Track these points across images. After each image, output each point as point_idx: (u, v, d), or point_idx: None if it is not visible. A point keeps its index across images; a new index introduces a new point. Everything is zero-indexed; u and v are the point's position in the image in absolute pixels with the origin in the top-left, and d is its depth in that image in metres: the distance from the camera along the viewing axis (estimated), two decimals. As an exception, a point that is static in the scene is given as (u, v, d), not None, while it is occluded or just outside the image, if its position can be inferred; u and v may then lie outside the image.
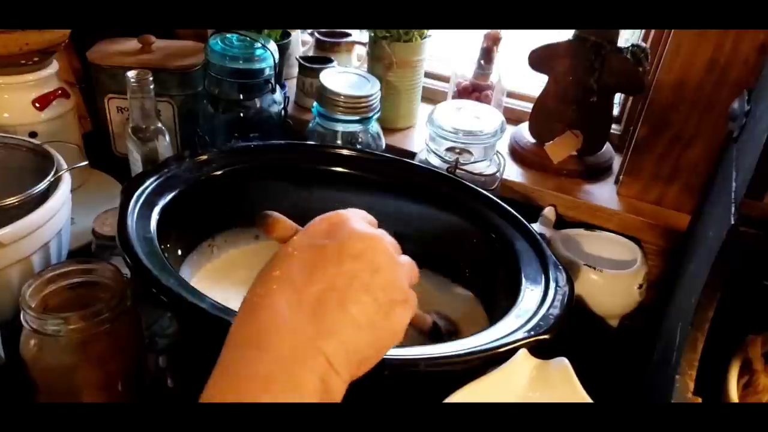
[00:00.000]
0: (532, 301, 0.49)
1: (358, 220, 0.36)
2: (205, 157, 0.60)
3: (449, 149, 0.68)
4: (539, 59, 0.73)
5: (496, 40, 0.78)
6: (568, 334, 0.47)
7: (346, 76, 0.72)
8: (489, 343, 0.43)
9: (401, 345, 0.37)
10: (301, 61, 0.83)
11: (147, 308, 0.56)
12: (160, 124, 0.69)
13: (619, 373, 0.61)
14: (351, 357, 0.32)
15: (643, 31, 0.77)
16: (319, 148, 0.67)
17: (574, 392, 0.41)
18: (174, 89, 0.78)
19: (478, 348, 0.43)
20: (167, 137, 0.69)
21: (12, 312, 0.54)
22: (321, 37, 0.86)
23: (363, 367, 0.34)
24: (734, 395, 0.45)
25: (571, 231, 0.69)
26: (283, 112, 0.76)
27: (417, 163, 0.69)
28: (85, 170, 0.74)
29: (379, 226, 0.39)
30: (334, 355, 0.31)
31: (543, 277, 0.51)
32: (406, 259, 0.38)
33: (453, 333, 0.54)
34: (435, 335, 0.52)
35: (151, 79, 0.66)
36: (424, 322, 0.50)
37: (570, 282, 0.51)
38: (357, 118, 0.70)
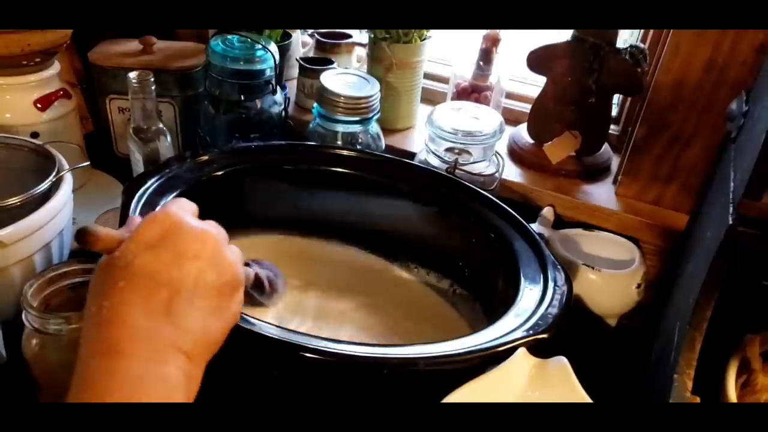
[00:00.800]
0: (531, 301, 0.49)
1: (186, 217, 0.38)
2: (206, 157, 0.60)
3: (448, 150, 0.69)
4: (538, 60, 0.73)
5: (495, 42, 0.79)
6: (567, 333, 0.47)
7: (346, 77, 0.72)
8: (488, 342, 0.44)
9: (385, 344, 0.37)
10: (302, 63, 0.83)
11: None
12: (161, 125, 0.69)
13: (617, 373, 0.62)
14: (204, 342, 0.35)
15: (642, 31, 0.77)
16: (320, 148, 0.67)
17: (573, 391, 0.41)
18: (175, 90, 0.78)
19: (477, 347, 0.43)
20: (168, 138, 0.69)
21: (14, 311, 0.54)
22: (321, 39, 0.86)
23: (214, 347, 0.36)
24: (732, 395, 0.45)
25: (570, 231, 0.69)
26: (283, 112, 0.77)
27: (417, 163, 0.69)
28: (87, 170, 0.74)
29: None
30: (191, 349, 0.34)
31: (542, 276, 0.51)
32: (233, 247, 0.40)
33: (275, 279, 0.55)
34: (258, 288, 0.53)
35: (152, 79, 0.66)
36: (247, 279, 0.51)
37: (569, 281, 0.51)
38: (357, 118, 0.70)
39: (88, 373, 0.32)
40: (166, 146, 0.69)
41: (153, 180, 0.55)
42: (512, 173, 0.75)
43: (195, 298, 0.35)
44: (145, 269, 0.34)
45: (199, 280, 0.35)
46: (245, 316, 0.42)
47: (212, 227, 0.39)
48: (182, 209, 0.39)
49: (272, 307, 0.56)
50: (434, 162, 0.69)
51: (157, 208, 0.39)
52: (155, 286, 0.34)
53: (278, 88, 0.76)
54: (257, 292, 0.54)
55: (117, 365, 0.32)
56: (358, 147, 0.71)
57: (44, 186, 0.58)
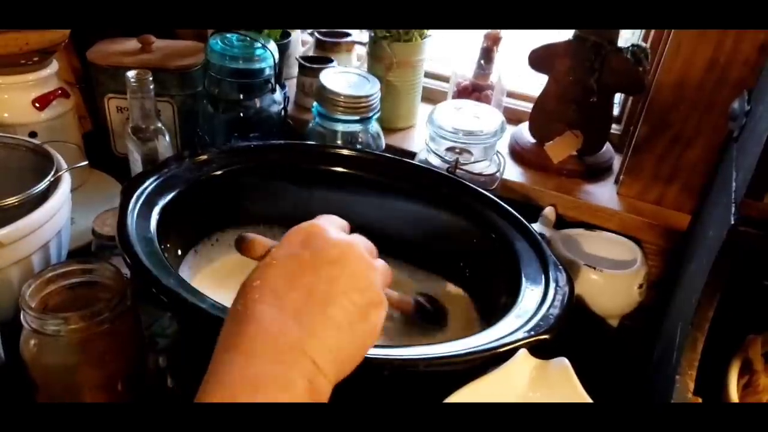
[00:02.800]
0: (532, 301, 0.49)
1: (332, 228, 0.38)
2: (204, 157, 0.60)
3: (449, 149, 0.68)
4: (539, 59, 0.73)
5: (496, 40, 0.78)
6: (568, 334, 0.47)
7: (346, 76, 0.72)
8: (489, 343, 0.43)
9: (389, 345, 0.37)
10: (301, 61, 0.83)
11: (147, 308, 0.56)
12: (160, 124, 0.69)
13: (619, 373, 0.61)
14: (335, 357, 0.34)
15: (643, 31, 0.77)
16: (319, 148, 0.67)
17: (574, 392, 0.41)
18: (174, 89, 0.78)
19: (478, 348, 0.43)
20: (167, 137, 0.69)
21: (12, 312, 0.54)
22: (321, 37, 0.86)
23: (347, 367, 0.35)
24: (734, 395, 0.45)
25: (572, 231, 0.69)
26: (283, 112, 0.76)
27: (417, 163, 0.69)
28: (85, 170, 0.74)
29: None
30: (318, 356, 0.33)
31: (543, 277, 0.51)
32: (380, 262, 0.39)
33: (440, 309, 0.54)
34: (422, 315, 0.52)
35: (150, 78, 0.66)
36: (407, 305, 0.51)
37: (570, 282, 0.51)
38: (357, 118, 0.70)
39: (216, 367, 0.32)
40: (164, 146, 0.68)
41: (151, 179, 0.55)
42: (513, 173, 0.75)
43: (328, 306, 0.34)
44: (282, 270, 0.35)
45: (334, 288, 0.35)
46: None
47: (357, 239, 0.38)
48: (329, 221, 0.39)
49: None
50: (435, 161, 0.69)
51: (314, 219, 0.39)
52: (289, 286, 0.34)
53: (278, 87, 0.75)
54: (420, 316, 0.52)
55: (241, 364, 0.32)
56: (358, 146, 0.71)
57: (42, 186, 0.58)
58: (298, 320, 0.33)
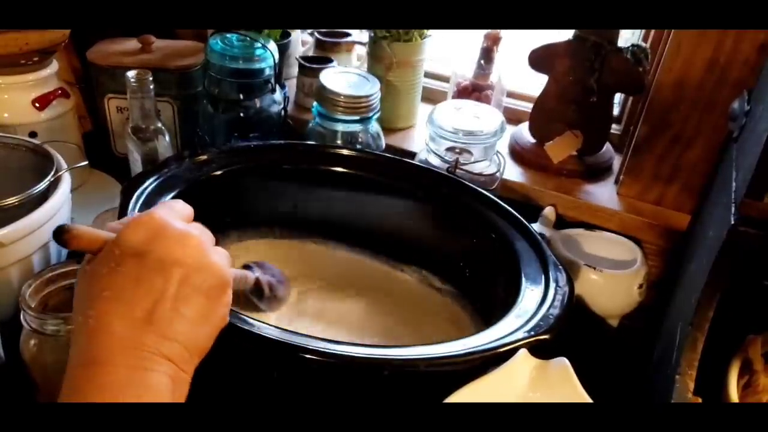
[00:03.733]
0: (532, 301, 0.49)
1: (173, 219, 0.37)
2: (204, 157, 0.60)
3: (449, 149, 0.68)
4: (539, 59, 0.73)
5: (496, 40, 0.78)
6: (568, 334, 0.47)
7: (346, 76, 0.72)
8: (489, 343, 0.43)
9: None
10: (301, 61, 0.83)
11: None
12: (159, 124, 0.69)
13: (619, 373, 0.61)
14: (192, 349, 0.35)
15: (643, 31, 0.76)
16: (319, 148, 0.67)
17: (574, 392, 0.40)
18: (174, 89, 0.78)
19: (478, 348, 0.43)
20: (167, 137, 0.69)
21: (12, 312, 0.54)
22: (321, 37, 0.86)
23: (204, 350, 0.36)
24: (734, 395, 0.45)
25: (571, 231, 0.69)
26: (283, 112, 0.76)
27: (417, 163, 0.69)
28: (85, 170, 0.74)
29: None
30: (176, 355, 0.34)
31: (543, 277, 0.51)
32: (219, 249, 0.39)
33: (276, 285, 0.53)
34: (257, 292, 0.52)
35: (150, 79, 0.66)
36: (247, 280, 0.50)
37: (570, 282, 0.51)
38: (357, 118, 0.70)
39: (73, 382, 0.33)
40: (164, 146, 0.68)
41: (151, 180, 0.55)
42: (513, 173, 0.75)
43: (180, 305, 0.35)
44: (129, 277, 0.34)
45: (182, 286, 0.35)
46: (244, 317, 0.42)
47: (196, 229, 0.38)
48: (171, 211, 0.38)
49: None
50: (435, 161, 0.69)
51: (145, 211, 0.38)
52: (138, 294, 0.34)
53: (277, 87, 0.75)
54: (256, 296, 0.53)
55: (100, 374, 0.32)
56: (358, 146, 0.71)
57: (42, 186, 0.58)
58: (152, 326, 0.33)
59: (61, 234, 0.36)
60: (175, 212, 0.39)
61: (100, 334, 0.33)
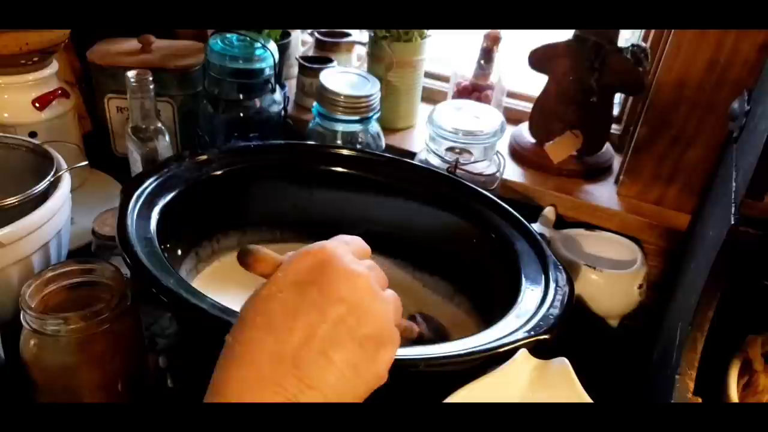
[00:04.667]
0: (532, 301, 0.49)
1: (345, 254, 0.34)
2: (204, 157, 0.60)
3: (449, 149, 0.68)
4: (539, 59, 0.73)
5: (496, 40, 0.78)
6: (568, 334, 0.47)
7: (346, 76, 0.72)
8: (489, 343, 0.43)
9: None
10: (301, 61, 0.83)
11: (147, 308, 0.56)
12: (159, 124, 0.69)
13: (619, 374, 0.61)
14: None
15: (643, 31, 0.76)
16: (319, 148, 0.67)
17: (574, 392, 0.40)
18: (174, 89, 0.78)
19: (478, 348, 0.43)
20: (167, 137, 0.69)
21: (12, 312, 0.54)
22: (321, 37, 0.86)
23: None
24: (734, 396, 0.45)
25: (571, 231, 0.69)
26: (283, 112, 0.76)
27: (417, 163, 0.69)
28: (85, 170, 0.74)
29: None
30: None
31: (543, 277, 0.51)
32: (391, 294, 0.36)
33: (439, 333, 0.53)
34: (423, 342, 0.51)
35: (150, 79, 0.66)
36: (411, 333, 0.48)
37: (570, 282, 0.51)
38: (357, 118, 0.70)
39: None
40: (164, 146, 0.68)
41: (151, 180, 0.55)
42: (513, 173, 0.75)
43: (329, 348, 0.31)
44: (285, 306, 0.32)
45: (337, 327, 0.32)
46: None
47: (369, 269, 0.35)
48: (344, 245, 0.35)
49: None
50: (435, 161, 0.69)
51: (321, 242, 0.35)
52: (290, 327, 0.31)
53: (277, 87, 0.75)
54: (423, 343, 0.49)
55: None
56: (358, 146, 0.71)
57: (42, 186, 0.58)
58: (298, 368, 0.31)
59: (246, 256, 0.35)
60: (351, 247, 0.36)
61: (245, 364, 0.31)
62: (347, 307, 0.32)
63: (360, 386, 0.33)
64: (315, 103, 0.71)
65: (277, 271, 0.33)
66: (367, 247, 0.38)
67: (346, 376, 0.32)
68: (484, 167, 0.68)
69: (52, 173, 0.59)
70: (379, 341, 0.33)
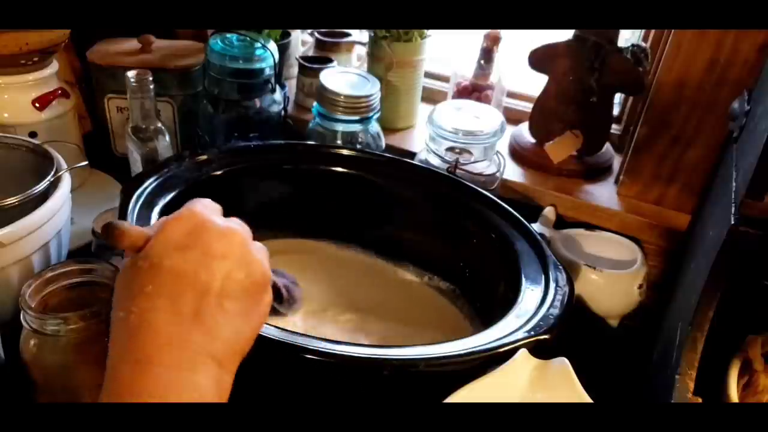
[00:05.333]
0: (532, 301, 0.49)
1: (214, 214, 0.36)
2: (204, 157, 0.60)
3: (449, 149, 0.68)
4: (539, 59, 0.73)
5: (496, 40, 0.78)
6: (569, 334, 0.47)
7: (346, 76, 0.72)
8: (489, 343, 0.43)
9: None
10: (301, 61, 0.83)
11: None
12: (159, 124, 0.69)
13: (619, 374, 0.61)
14: (236, 349, 0.34)
15: (643, 30, 0.76)
16: (319, 148, 0.67)
17: (574, 392, 0.40)
18: (174, 89, 0.78)
19: (478, 348, 0.43)
20: (167, 137, 0.69)
21: (12, 312, 0.54)
22: (321, 37, 0.86)
23: (245, 353, 0.35)
24: (734, 396, 0.45)
25: (571, 231, 0.69)
26: (283, 112, 0.76)
27: (417, 163, 0.69)
28: (85, 170, 0.74)
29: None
30: (222, 355, 0.33)
31: (543, 277, 0.51)
32: (258, 244, 0.38)
33: (292, 287, 0.52)
34: (277, 297, 0.50)
35: (150, 78, 0.66)
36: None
37: (570, 282, 0.51)
38: (357, 118, 0.70)
39: (118, 381, 0.31)
40: (164, 146, 0.68)
41: (151, 180, 0.55)
42: (513, 173, 0.75)
43: (224, 301, 0.34)
44: (173, 271, 0.33)
45: (227, 281, 0.34)
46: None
47: (237, 224, 0.37)
48: (206, 207, 0.37)
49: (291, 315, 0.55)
50: (435, 162, 0.69)
51: (182, 208, 0.36)
52: (183, 289, 0.33)
53: (277, 87, 0.75)
54: (276, 301, 0.51)
55: (146, 374, 0.31)
56: (358, 146, 0.71)
57: (42, 186, 0.58)
58: (198, 323, 0.32)
59: (112, 231, 0.35)
60: (210, 209, 0.37)
61: (144, 330, 0.32)
62: (229, 262, 0.34)
63: (252, 328, 0.35)
64: (315, 103, 0.71)
65: (152, 242, 0.34)
66: (220, 207, 0.39)
67: (240, 322, 0.34)
68: (484, 167, 0.68)
69: (52, 173, 0.59)
70: (263, 286, 0.36)
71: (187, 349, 0.32)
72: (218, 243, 0.34)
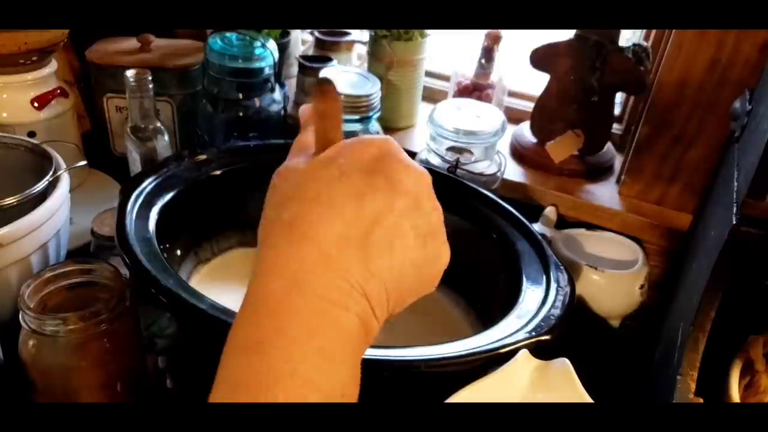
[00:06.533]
0: (534, 302, 0.48)
1: (403, 152, 0.33)
2: (204, 156, 0.59)
3: (450, 149, 0.68)
4: (541, 58, 0.73)
5: (496, 39, 0.78)
6: (570, 334, 0.47)
7: (347, 75, 0.72)
8: (490, 343, 0.43)
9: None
10: (301, 60, 0.82)
11: (146, 308, 0.56)
12: (159, 124, 0.68)
13: (620, 374, 0.61)
14: (390, 299, 0.31)
15: (645, 30, 0.76)
16: (319, 147, 0.67)
17: (576, 393, 0.40)
18: (173, 88, 0.78)
19: (479, 349, 0.43)
20: (166, 137, 0.69)
21: (11, 312, 0.54)
22: (321, 36, 0.86)
23: (398, 309, 0.32)
24: (736, 396, 0.45)
25: (573, 231, 0.69)
26: (282, 111, 0.76)
27: (417, 162, 0.68)
28: (84, 170, 0.74)
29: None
30: (377, 298, 0.30)
31: (544, 277, 0.51)
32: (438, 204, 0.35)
33: None
34: None
35: (150, 78, 0.65)
36: None
37: (571, 282, 0.51)
38: (357, 117, 0.69)
39: (266, 301, 0.28)
40: (163, 145, 0.68)
41: (150, 179, 0.54)
42: (514, 172, 0.75)
43: (395, 238, 0.30)
44: (351, 189, 0.30)
45: (403, 218, 0.30)
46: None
47: (427, 173, 0.33)
48: (397, 145, 0.33)
49: None
50: (435, 161, 0.68)
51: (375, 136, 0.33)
52: (357, 211, 0.29)
53: (277, 86, 0.75)
54: None
55: (297, 299, 0.27)
56: (358, 146, 0.71)
57: (41, 185, 0.58)
58: (363, 255, 0.29)
59: (331, 91, 0.32)
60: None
61: (306, 241, 0.28)
62: (413, 202, 0.31)
63: (416, 284, 0.32)
64: (315, 103, 0.71)
65: (337, 153, 0.31)
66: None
67: (405, 268, 0.31)
68: (485, 167, 0.68)
69: (51, 173, 0.59)
70: (441, 245, 0.33)
71: (344, 279, 0.28)
72: (406, 177, 0.31)
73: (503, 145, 0.76)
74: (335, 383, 0.29)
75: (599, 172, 0.75)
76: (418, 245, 0.31)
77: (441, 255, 0.33)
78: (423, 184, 0.32)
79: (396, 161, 0.31)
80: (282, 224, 0.29)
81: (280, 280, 0.28)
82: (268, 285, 0.28)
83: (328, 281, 0.28)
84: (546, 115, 0.75)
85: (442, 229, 0.33)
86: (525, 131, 0.78)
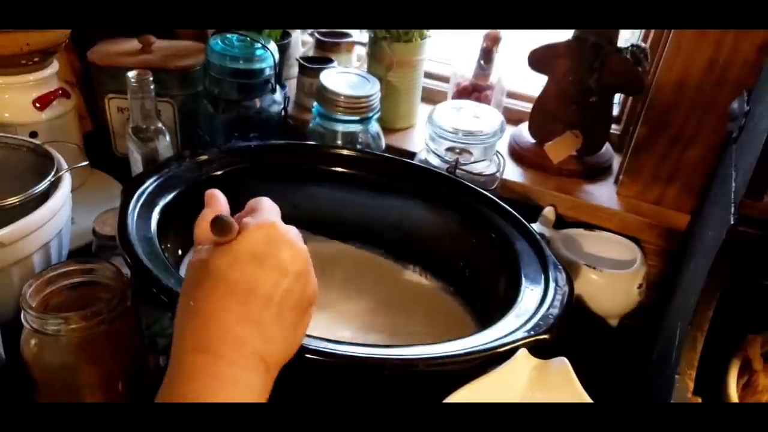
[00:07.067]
0: (532, 301, 0.49)
1: (287, 229, 0.39)
2: (205, 157, 0.60)
3: (449, 149, 0.68)
4: (539, 59, 0.73)
5: (495, 41, 0.78)
6: (568, 334, 0.47)
7: (346, 76, 0.72)
8: (489, 343, 0.43)
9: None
10: (302, 62, 0.83)
11: (147, 308, 0.56)
12: (160, 124, 0.69)
13: (618, 373, 0.61)
14: (281, 359, 0.37)
15: (643, 31, 0.77)
16: (319, 148, 0.67)
17: (574, 392, 0.41)
18: (174, 89, 0.78)
19: (478, 348, 0.43)
20: (167, 137, 0.69)
21: (13, 312, 0.54)
22: (321, 38, 0.86)
23: (286, 362, 0.38)
24: (734, 395, 0.45)
25: (571, 231, 0.69)
26: (283, 112, 0.76)
27: (417, 163, 0.69)
28: (86, 170, 0.74)
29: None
30: (272, 360, 0.37)
31: (543, 277, 0.51)
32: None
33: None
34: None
35: (151, 79, 0.66)
36: None
37: (570, 282, 0.51)
38: (357, 118, 0.70)
39: (188, 367, 0.34)
40: (165, 146, 0.68)
41: (152, 180, 0.55)
42: (513, 173, 0.75)
43: (284, 312, 0.37)
44: (246, 278, 0.36)
45: (287, 294, 0.37)
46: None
47: (299, 238, 0.40)
48: (277, 215, 0.40)
49: None
50: (435, 162, 0.69)
51: (262, 214, 0.40)
52: (252, 296, 0.36)
53: (278, 87, 0.75)
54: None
55: (215, 365, 0.34)
56: (358, 146, 0.71)
57: (43, 186, 0.58)
58: (260, 328, 0.36)
59: (228, 227, 0.37)
60: (276, 213, 0.41)
61: (214, 324, 0.35)
62: (294, 277, 0.38)
63: (297, 341, 0.39)
64: (315, 104, 0.71)
65: (238, 245, 0.37)
66: (279, 210, 0.43)
67: (291, 333, 0.38)
68: (484, 167, 0.68)
69: (53, 173, 0.59)
70: (310, 303, 0.39)
71: (245, 350, 0.35)
72: (288, 258, 0.38)
73: (502, 146, 0.77)
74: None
75: (598, 172, 0.75)
76: (297, 311, 0.38)
77: (310, 310, 0.40)
78: (301, 259, 0.38)
79: (281, 244, 0.38)
80: (189, 309, 0.36)
81: (196, 354, 0.35)
82: (186, 358, 0.35)
83: (237, 353, 0.35)
84: (545, 116, 0.75)
85: (314, 289, 0.40)
86: (524, 132, 0.79)
